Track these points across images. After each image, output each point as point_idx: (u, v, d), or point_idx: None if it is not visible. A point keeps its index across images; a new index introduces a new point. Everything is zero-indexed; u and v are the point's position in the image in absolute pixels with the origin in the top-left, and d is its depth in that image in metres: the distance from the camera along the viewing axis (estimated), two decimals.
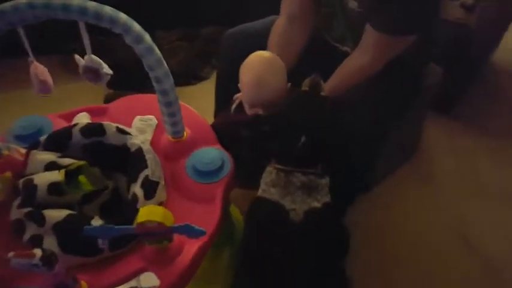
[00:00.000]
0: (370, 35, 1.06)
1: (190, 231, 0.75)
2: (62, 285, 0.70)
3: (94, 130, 0.96)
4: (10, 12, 0.76)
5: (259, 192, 0.97)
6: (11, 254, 0.63)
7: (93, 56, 0.89)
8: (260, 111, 1.06)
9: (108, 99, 1.71)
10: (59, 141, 0.95)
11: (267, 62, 1.06)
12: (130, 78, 1.58)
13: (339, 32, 1.19)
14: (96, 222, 0.83)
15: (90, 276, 0.79)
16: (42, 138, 0.94)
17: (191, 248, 0.84)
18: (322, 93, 0.99)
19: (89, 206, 0.91)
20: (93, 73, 0.90)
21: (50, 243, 0.81)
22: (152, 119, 1.07)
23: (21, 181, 0.86)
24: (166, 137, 1.02)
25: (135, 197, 0.87)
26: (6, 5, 0.76)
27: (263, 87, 1.03)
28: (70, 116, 1.09)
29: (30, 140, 0.97)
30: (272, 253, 0.89)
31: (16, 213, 0.84)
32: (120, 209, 0.92)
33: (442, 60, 1.34)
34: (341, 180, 0.95)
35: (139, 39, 0.82)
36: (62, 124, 1.04)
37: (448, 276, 1.31)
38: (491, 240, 1.41)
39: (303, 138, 0.91)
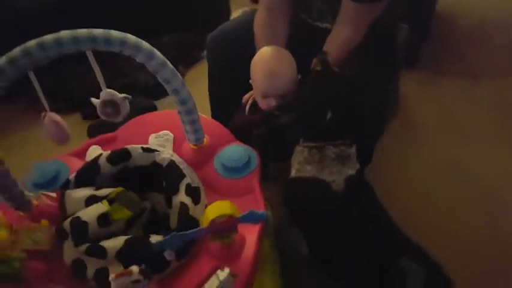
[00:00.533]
0: (348, 8, 1.13)
1: (254, 217, 0.79)
2: None
3: (120, 156, 0.96)
4: (21, 57, 0.76)
5: (293, 173, 1.01)
6: (111, 276, 0.64)
7: (110, 90, 0.89)
8: (273, 103, 1.11)
9: (92, 131, 1.69)
10: (89, 176, 0.94)
11: (277, 54, 1.11)
12: None
13: (317, 12, 1.25)
14: (155, 239, 0.84)
15: None
16: (72, 176, 0.93)
17: (251, 236, 0.87)
18: (335, 69, 1.04)
19: (132, 231, 0.92)
20: (112, 108, 0.91)
21: (119, 270, 0.80)
22: (168, 134, 1.08)
23: (67, 222, 0.85)
24: (188, 146, 1.04)
25: (184, 206, 0.88)
26: (16, 50, 0.76)
27: (276, 77, 1.08)
28: (81, 153, 1.08)
29: (50, 186, 0.97)
30: (322, 224, 0.94)
31: (72, 253, 0.83)
32: (162, 225, 0.93)
33: (405, 17, 1.45)
34: (363, 147, 1.02)
35: (151, 56, 0.85)
36: (77, 163, 1.03)
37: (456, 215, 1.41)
38: (487, 175, 1.54)
39: (329, 114, 0.97)
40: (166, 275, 0.83)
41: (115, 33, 0.80)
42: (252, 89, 1.18)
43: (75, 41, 0.77)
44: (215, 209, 0.75)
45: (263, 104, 1.14)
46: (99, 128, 1.64)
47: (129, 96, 0.90)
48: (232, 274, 0.81)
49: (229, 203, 0.78)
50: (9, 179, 0.83)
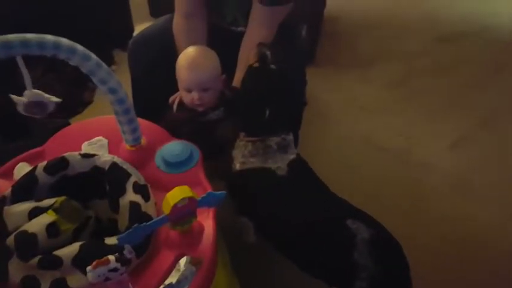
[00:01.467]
0: (260, 11, 1.24)
1: (214, 198, 0.82)
2: None
3: (58, 165, 0.92)
4: None
5: (238, 167, 1.06)
6: (88, 268, 0.62)
7: (35, 90, 0.86)
8: (196, 96, 1.15)
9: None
10: (26, 189, 0.88)
11: (199, 50, 1.16)
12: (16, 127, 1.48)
13: (231, 16, 1.34)
14: (110, 241, 0.82)
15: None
16: (7, 192, 0.87)
17: (208, 221, 0.90)
18: (272, 66, 1.11)
19: (81, 239, 0.89)
20: (38, 106, 0.87)
21: (77, 278, 0.77)
22: (101, 139, 1.06)
23: (11, 238, 0.79)
24: (125, 148, 1.03)
25: (134, 204, 0.88)
26: None
27: (198, 69, 1.13)
28: (8, 172, 1.00)
29: None
30: (271, 206, 1.00)
31: (20, 271, 0.77)
32: (109, 233, 0.91)
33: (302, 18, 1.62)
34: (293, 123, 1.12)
35: (87, 57, 0.84)
36: (5, 184, 0.96)
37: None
38: (395, 143, 1.78)
39: (267, 111, 1.05)
40: (129, 273, 0.82)
41: (49, 37, 0.79)
42: (177, 89, 1.22)
43: (8, 46, 0.74)
44: (176, 194, 0.77)
45: (187, 98, 1.18)
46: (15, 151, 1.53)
47: (58, 100, 0.88)
48: (195, 261, 0.84)
49: (187, 187, 0.80)
50: None
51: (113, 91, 0.90)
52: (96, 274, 0.62)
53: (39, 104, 0.86)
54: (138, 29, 2.31)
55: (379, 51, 2.37)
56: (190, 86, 1.15)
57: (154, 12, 2.54)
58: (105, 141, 1.06)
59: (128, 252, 0.79)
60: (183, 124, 1.19)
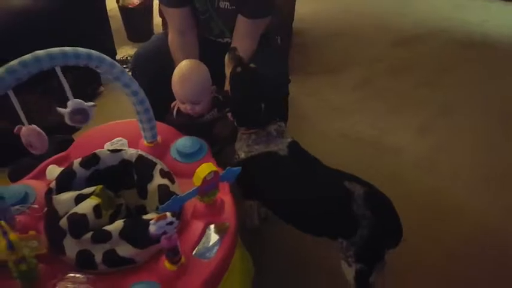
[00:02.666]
0: (244, 24, 1.42)
1: (233, 173, 0.99)
2: (175, 249, 0.84)
3: (91, 160, 1.06)
4: (6, 75, 0.84)
5: (243, 155, 1.22)
6: (152, 221, 0.76)
7: (75, 99, 1.00)
8: (188, 107, 1.30)
9: (14, 174, 1.63)
10: (67, 181, 1.02)
11: (191, 65, 1.30)
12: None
13: (217, 30, 1.51)
14: (147, 217, 0.97)
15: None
16: (52, 184, 1.00)
17: (226, 195, 1.06)
18: (252, 65, 1.28)
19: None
20: (81, 115, 1.01)
21: (124, 248, 0.91)
22: (121, 139, 1.20)
23: (63, 220, 0.92)
24: (143, 146, 1.19)
25: (163, 186, 1.03)
26: (15, 62, 0.85)
27: (186, 85, 1.27)
28: (40, 175, 1.13)
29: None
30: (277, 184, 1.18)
31: (75, 247, 0.90)
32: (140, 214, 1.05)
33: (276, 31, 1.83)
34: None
35: (113, 65, 1.00)
36: (39, 185, 1.08)
37: None
38: (368, 136, 2.00)
39: (263, 106, 1.21)
40: None
41: (82, 49, 0.94)
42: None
43: (52, 57, 0.89)
44: (204, 169, 0.93)
45: (182, 107, 1.33)
46: (20, 171, 1.62)
47: (96, 104, 1.03)
48: (222, 227, 0.99)
49: (212, 163, 0.96)
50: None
51: (135, 93, 1.06)
52: (158, 226, 0.77)
53: (81, 112, 1.00)
54: (120, 51, 2.47)
55: (343, 59, 2.62)
56: (182, 99, 1.31)
57: (131, 36, 2.69)
58: (124, 140, 1.20)
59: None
60: (181, 127, 1.32)
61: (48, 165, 1.14)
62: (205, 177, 0.93)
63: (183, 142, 1.21)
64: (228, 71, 1.31)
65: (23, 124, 0.95)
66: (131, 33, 2.67)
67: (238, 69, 1.27)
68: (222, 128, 1.37)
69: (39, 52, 0.88)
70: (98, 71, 1.00)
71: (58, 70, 0.95)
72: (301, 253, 1.44)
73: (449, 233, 1.54)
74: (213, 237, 0.98)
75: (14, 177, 1.65)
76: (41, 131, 0.96)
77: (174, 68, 1.43)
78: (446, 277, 1.40)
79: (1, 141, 1.75)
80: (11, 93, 0.88)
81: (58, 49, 0.90)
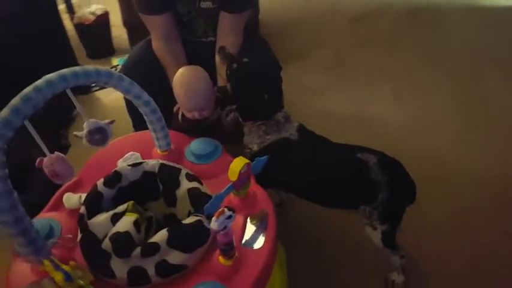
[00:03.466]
0: (228, 20, 1.42)
1: (260, 163, 1.00)
2: (231, 244, 0.85)
3: (113, 178, 1.03)
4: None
5: (256, 147, 1.23)
6: (213, 218, 0.77)
7: (91, 119, 0.98)
8: (197, 115, 1.29)
9: None
10: (96, 204, 0.99)
11: (191, 73, 1.27)
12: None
13: (201, 30, 1.51)
14: (187, 221, 0.96)
15: None
16: (82, 209, 0.97)
17: (254, 185, 1.08)
18: (245, 60, 1.28)
19: (150, 237, 1.01)
20: (99, 134, 0.99)
21: (175, 256, 0.90)
22: (134, 153, 1.18)
23: (106, 242, 0.90)
24: (157, 155, 1.17)
25: (193, 189, 1.03)
26: (29, 89, 0.82)
27: (195, 95, 1.25)
28: (56, 206, 1.09)
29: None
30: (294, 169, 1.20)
31: (124, 266, 0.88)
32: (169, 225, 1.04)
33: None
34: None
35: (121, 79, 0.99)
36: (60, 216, 1.05)
37: None
38: (351, 113, 2.08)
39: (266, 96, 1.23)
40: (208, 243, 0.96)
41: (90, 67, 0.92)
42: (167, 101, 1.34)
43: (63, 78, 0.86)
44: (238, 163, 0.94)
45: (189, 115, 1.32)
46: None
47: (114, 120, 1.00)
48: (261, 215, 1.01)
49: (242, 157, 0.97)
50: (26, 222, 0.83)
51: (147, 103, 1.05)
52: (219, 222, 0.77)
53: (99, 131, 0.98)
54: None
55: (308, 43, 2.68)
56: (191, 109, 1.29)
57: (90, 53, 2.62)
58: (137, 154, 1.18)
59: (207, 224, 0.95)
60: (188, 131, 1.31)
61: (62, 194, 1.10)
62: (240, 171, 0.94)
63: (197, 145, 1.20)
64: (222, 70, 1.31)
65: (41, 155, 0.92)
66: (90, 50, 2.59)
67: (234, 65, 1.27)
68: (227, 125, 1.37)
69: (50, 76, 0.85)
70: (107, 86, 0.98)
71: (69, 92, 0.93)
72: (318, 233, 1.50)
73: (448, 186, 1.64)
74: (256, 226, 0.99)
75: None
76: (65, 157, 0.93)
77: (164, 74, 1.42)
78: (443, 223, 1.51)
79: None
80: (27, 123, 0.85)
81: (68, 70, 0.87)
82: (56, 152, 0.93)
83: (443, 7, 3.05)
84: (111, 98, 2.28)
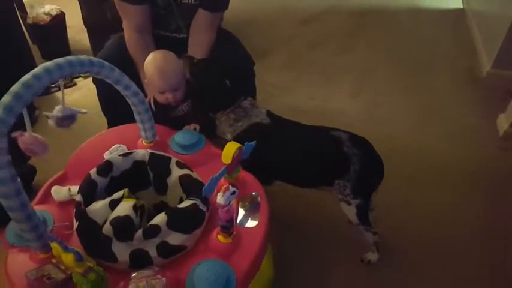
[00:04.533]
0: (205, 17, 1.46)
1: (249, 148, 1.07)
2: (232, 221, 0.91)
3: (106, 167, 1.05)
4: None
5: (229, 136, 1.29)
6: (220, 194, 0.82)
7: (67, 107, 1.01)
8: (170, 96, 1.31)
9: None
10: (91, 192, 1.00)
11: (164, 55, 1.31)
12: None
13: (174, 25, 1.53)
14: (183, 204, 1.00)
15: None
16: (78, 197, 0.97)
17: (243, 172, 1.14)
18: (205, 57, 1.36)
19: (143, 224, 1.04)
20: (69, 121, 1.02)
21: (175, 237, 0.94)
22: (119, 146, 1.20)
23: (106, 227, 0.92)
24: (143, 146, 1.20)
25: (185, 175, 1.07)
26: (28, 76, 0.83)
27: (168, 74, 1.28)
28: (45, 199, 1.08)
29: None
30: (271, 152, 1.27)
31: (125, 249, 0.91)
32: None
33: None
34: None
35: (112, 69, 1.01)
36: (50, 207, 1.05)
37: None
38: (316, 107, 2.20)
39: (228, 82, 1.29)
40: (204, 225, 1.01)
41: (84, 57, 0.94)
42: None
43: (60, 67, 0.88)
44: (231, 147, 0.99)
45: (161, 98, 1.33)
46: None
47: (86, 111, 1.03)
48: (252, 198, 1.07)
49: (232, 142, 1.03)
50: (30, 208, 0.85)
51: (136, 94, 1.08)
52: (226, 197, 0.83)
53: (69, 117, 1.00)
54: None
55: (264, 43, 2.77)
56: (164, 89, 1.31)
57: (45, 54, 2.53)
58: (123, 146, 1.20)
59: (202, 207, 1.00)
60: (158, 122, 1.31)
61: (49, 188, 1.10)
62: (233, 154, 0.99)
63: (181, 136, 1.24)
64: (187, 72, 1.36)
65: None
66: (45, 51, 2.50)
67: (195, 60, 1.34)
68: (197, 119, 1.41)
69: (48, 63, 0.86)
70: (98, 76, 1.00)
71: (61, 82, 0.94)
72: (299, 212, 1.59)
73: (408, 166, 1.80)
74: (247, 208, 1.05)
75: None
76: (42, 138, 0.97)
77: (132, 67, 1.43)
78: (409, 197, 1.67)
79: None
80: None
81: (63, 59, 0.89)
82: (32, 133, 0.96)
83: (389, 9, 3.29)
84: (72, 98, 2.23)
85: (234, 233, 0.95)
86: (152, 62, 1.31)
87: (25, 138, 0.94)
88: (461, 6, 3.25)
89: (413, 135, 2.01)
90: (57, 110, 1.01)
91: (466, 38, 2.82)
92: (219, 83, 1.32)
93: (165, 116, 1.36)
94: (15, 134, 0.93)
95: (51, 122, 1.02)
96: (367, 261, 1.42)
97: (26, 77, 0.82)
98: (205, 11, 1.46)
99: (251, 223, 1.02)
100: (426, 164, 1.85)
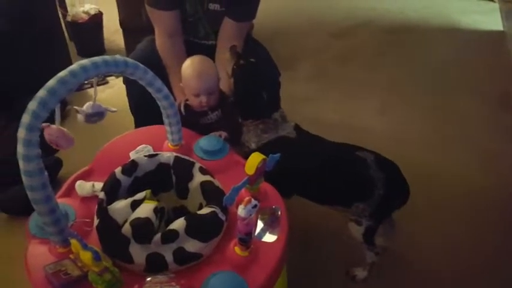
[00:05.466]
0: (231, 27, 1.48)
1: (274, 159, 1.06)
2: (251, 234, 0.90)
3: (131, 167, 1.06)
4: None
5: (254, 146, 1.27)
6: (241, 206, 0.81)
7: (96, 103, 1.03)
8: (204, 99, 1.31)
9: (5, 203, 1.55)
10: (114, 190, 1.01)
11: (200, 59, 1.32)
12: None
13: (203, 32, 1.55)
14: (203, 211, 1.00)
15: None
16: (101, 195, 0.98)
17: (267, 186, 1.12)
18: (251, 60, 1.33)
19: (161, 228, 1.04)
20: (97, 117, 1.05)
21: (192, 244, 0.93)
22: (146, 146, 1.21)
23: (126, 227, 0.92)
24: (168, 148, 1.21)
25: (207, 182, 1.07)
26: (65, 72, 0.85)
27: (205, 76, 1.29)
28: (68, 192, 1.10)
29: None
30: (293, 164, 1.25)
31: (142, 252, 0.91)
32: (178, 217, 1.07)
33: None
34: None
35: (146, 71, 1.02)
36: (73, 202, 1.06)
37: None
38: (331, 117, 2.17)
39: (265, 95, 1.28)
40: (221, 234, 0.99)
41: (119, 57, 0.96)
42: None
43: (96, 66, 0.89)
44: (255, 158, 0.99)
45: (195, 102, 1.33)
46: (11, 200, 1.55)
47: (116, 110, 1.05)
48: (272, 211, 1.05)
49: (258, 153, 1.02)
50: (54, 201, 0.86)
51: (166, 97, 1.09)
52: (247, 210, 0.82)
53: (98, 114, 1.02)
54: None
55: (291, 54, 2.77)
56: (200, 91, 1.32)
57: (81, 51, 2.60)
58: (149, 147, 1.21)
59: (221, 215, 0.99)
60: (187, 127, 1.32)
61: (73, 182, 1.11)
62: (257, 166, 0.99)
63: (206, 141, 1.24)
64: (228, 67, 1.35)
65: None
66: (81, 48, 2.58)
67: (242, 61, 1.33)
68: (227, 126, 1.40)
69: (84, 61, 0.88)
70: (132, 77, 1.02)
71: (95, 80, 0.96)
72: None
73: (431, 189, 1.75)
74: (267, 221, 1.04)
75: (5, 206, 1.57)
76: (69, 132, 0.99)
77: (163, 71, 1.45)
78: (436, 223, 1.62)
79: None
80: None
81: (100, 58, 0.91)
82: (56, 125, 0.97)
83: (423, 27, 3.24)
84: (103, 96, 2.28)
85: (252, 246, 0.94)
86: (190, 65, 1.32)
87: (51, 130, 0.97)
88: (502, 29, 3.16)
89: (439, 157, 1.97)
90: (87, 106, 1.04)
91: (504, 62, 2.74)
92: (257, 95, 1.30)
93: (193, 121, 1.36)
94: (42, 126, 0.95)
95: (80, 117, 1.04)
96: (353, 276, 1.39)
97: (63, 73, 0.84)
98: (231, 20, 1.47)
99: (269, 237, 1.00)
100: (450, 188, 1.80)
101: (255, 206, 0.84)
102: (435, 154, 1.99)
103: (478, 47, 3.01)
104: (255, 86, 1.31)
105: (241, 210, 0.83)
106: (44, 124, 0.96)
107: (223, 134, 1.31)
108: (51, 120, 0.94)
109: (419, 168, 1.86)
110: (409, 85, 2.52)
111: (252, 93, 1.31)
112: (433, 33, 3.15)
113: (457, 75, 2.64)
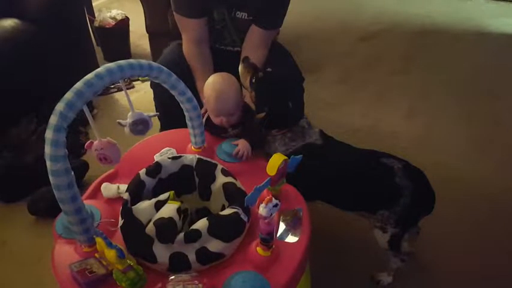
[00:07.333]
0: (258, 34, 1.48)
1: (296, 161, 1.05)
2: (272, 234, 0.89)
3: (155, 169, 1.08)
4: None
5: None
6: (262, 205, 0.81)
7: (136, 111, 1.03)
8: (224, 120, 1.30)
9: (33, 205, 1.60)
10: (139, 191, 1.03)
11: (222, 79, 1.29)
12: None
13: (229, 39, 1.57)
14: (225, 212, 1.00)
15: None
16: (126, 196, 1.00)
17: (289, 187, 1.12)
18: (268, 69, 1.32)
19: (185, 228, 1.05)
20: (142, 124, 1.04)
21: (215, 244, 0.94)
22: (169, 149, 1.22)
23: (150, 227, 0.93)
24: (191, 151, 1.22)
25: (229, 183, 1.07)
26: (91, 75, 0.87)
27: (224, 100, 1.26)
28: (94, 194, 1.12)
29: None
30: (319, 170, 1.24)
31: (166, 251, 0.91)
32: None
33: None
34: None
35: (170, 75, 1.04)
36: (97, 203, 1.08)
37: None
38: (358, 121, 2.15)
39: (290, 104, 1.26)
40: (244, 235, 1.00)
41: (143, 61, 0.97)
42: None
43: (121, 69, 0.91)
44: (276, 159, 0.98)
45: (216, 120, 1.32)
46: (39, 202, 1.59)
47: (157, 113, 1.05)
48: (294, 213, 1.05)
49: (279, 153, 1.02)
50: (79, 201, 0.88)
51: (190, 100, 1.10)
52: (268, 209, 0.82)
53: (142, 122, 1.03)
54: None
55: (318, 58, 2.77)
56: (219, 113, 1.30)
57: (107, 56, 2.67)
58: (173, 150, 1.22)
59: (243, 216, 0.99)
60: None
61: (99, 184, 1.14)
62: (279, 166, 0.98)
63: (228, 144, 1.25)
64: (245, 80, 1.33)
65: (84, 139, 0.97)
66: (107, 53, 2.64)
67: (260, 74, 1.30)
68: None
69: (110, 65, 0.90)
70: (156, 81, 1.03)
71: (122, 82, 0.98)
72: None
73: (459, 195, 1.70)
74: (288, 223, 1.03)
75: (34, 208, 1.62)
76: (115, 143, 0.97)
77: (190, 76, 1.46)
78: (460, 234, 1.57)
79: (11, 175, 1.71)
80: (84, 106, 0.89)
81: (125, 61, 0.93)
82: (108, 138, 0.97)
83: (452, 30, 3.18)
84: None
85: (274, 246, 0.94)
86: (211, 85, 1.29)
87: (101, 143, 0.98)
88: None
89: (468, 164, 1.91)
90: (129, 117, 1.05)
91: None
92: (282, 104, 1.27)
93: (214, 134, 1.35)
94: (87, 146, 0.97)
95: (126, 130, 1.05)
96: (377, 281, 1.36)
97: (89, 75, 0.87)
98: (259, 28, 1.48)
99: (291, 238, 0.99)
100: (479, 194, 1.74)
101: (276, 205, 0.84)
102: (463, 160, 1.93)
103: (509, 51, 2.93)
104: (279, 97, 1.28)
105: (262, 209, 0.82)
106: (87, 143, 0.99)
107: (241, 150, 1.25)
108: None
109: (446, 172, 1.83)
110: (437, 89, 2.47)
111: (277, 105, 1.27)
112: (462, 37, 3.08)
113: (486, 80, 2.58)
